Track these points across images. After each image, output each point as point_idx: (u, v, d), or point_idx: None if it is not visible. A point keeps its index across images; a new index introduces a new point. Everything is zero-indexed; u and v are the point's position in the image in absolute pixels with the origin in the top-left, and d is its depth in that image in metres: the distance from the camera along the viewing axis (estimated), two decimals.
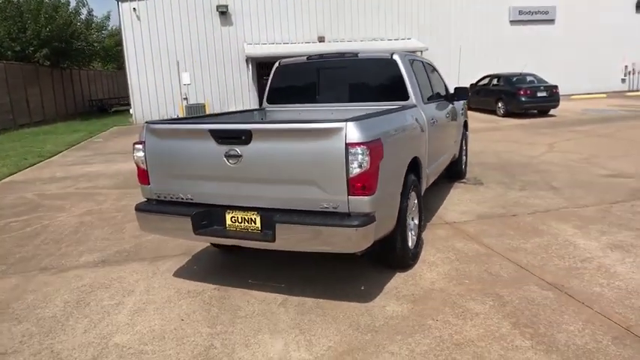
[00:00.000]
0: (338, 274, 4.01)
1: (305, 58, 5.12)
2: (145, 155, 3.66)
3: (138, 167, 3.78)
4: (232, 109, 21.35)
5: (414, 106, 4.54)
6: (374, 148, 3.00)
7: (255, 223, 3.37)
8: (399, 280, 3.84)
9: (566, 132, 12.10)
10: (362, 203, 3.04)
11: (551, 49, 22.92)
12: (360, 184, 3.00)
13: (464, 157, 7.33)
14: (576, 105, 18.90)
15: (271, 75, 5.25)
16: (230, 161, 3.29)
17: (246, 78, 21.52)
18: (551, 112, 16.40)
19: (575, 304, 3.28)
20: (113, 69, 40.24)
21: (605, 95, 22.43)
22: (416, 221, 4.18)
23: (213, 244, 4.70)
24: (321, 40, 21.59)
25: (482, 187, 6.85)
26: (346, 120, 3.00)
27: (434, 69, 6.02)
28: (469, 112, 20.36)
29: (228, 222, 3.46)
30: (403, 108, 4.24)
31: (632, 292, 3.39)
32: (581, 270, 3.83)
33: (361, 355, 2.82)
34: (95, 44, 27.41)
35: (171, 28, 20.72)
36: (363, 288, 3.74)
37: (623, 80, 23.78)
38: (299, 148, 3.11)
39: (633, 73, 23.85)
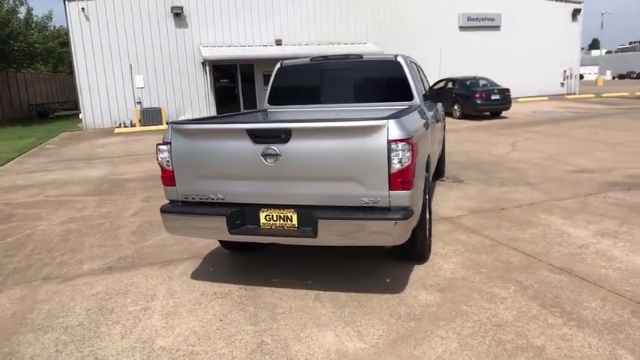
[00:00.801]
0: (357, 269, 4.13)
1: (308, 59, 5.22)
2: (170, 156, 3.61)
3: (162, 169, 3.72)
4: (189, 113, 20.93)
5: (419, 106, 4.76)
6: (414, 144, 3.17)
7: (291, 221, 3.43)
8: (419, 271, 4.02)
9: (523, 132, 12.92)
10: (402, 198, 3.19)
11: (497, 54, 24.29)
12: (401, 179, 3.15)
13: (444, 157, 7.70)
14: (524, 107, 20.17)
15: (273, 76, 5.29)
16: (268, 160, 3.33)
17: (202, 81, 21.18)
18: (503, 114, 17.41)
19: (587, 285, 3.60)
20: (49, 72, 38.04)
21: (547, 98, 24.09)
22: (427, 216, 4.39)
23: (224, 246, 4.69)
24: (279, 43, 21.67)
25: (462, 184, 7.22)
26: (387, 117, 3.15)
27: (421, 70, 6.30)
28: None
29: (263, 220, 3.49)
30: (414, 108, 4.45)
31: (633, 273, 3.77)
32: (581, 255, 4.18)
33: (413, 341, 2.96)
34: (36, 45, 25.88)
35: (122, 29, 20.03)
36: (388, 280, 3.89)
37: (562, 84, 25.66)
38: (340, 145, 3.21)
39: (570, 78, 25.78)
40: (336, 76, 5.11)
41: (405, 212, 3.19)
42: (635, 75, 63.18)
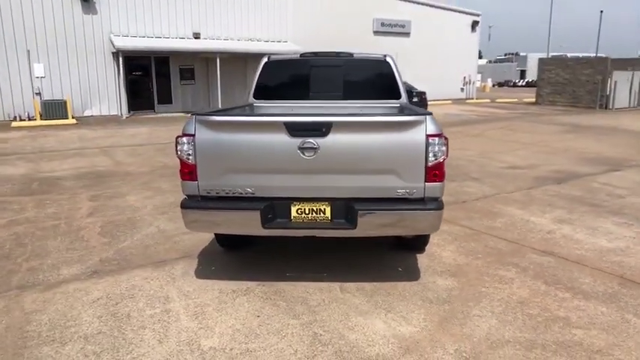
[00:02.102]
0: (364, 260, 4.27)
1: (298, 55, 5.21)
2: (194, 149, 3.43)
3: (182, 162, 3.51)
4: (96, 106, 19.34)
5: (407, 104, 5.03)
6: (447, 139, 3.39)
7: (324, 213, 3.46)
8: (424, 260, 4.28)
9: (446, 132, 13.96)
10: (435, 189, 3.40)
11: (407, 59, 25.82)
12: (435, 172, 3.36)
13: None
14: (435, 110, 21.68)
15: (259, 70, 5.19)
16: (305, 154, 3.32)
17: (113, 73, 19.64)
18: None
19: (572, 264, 4.13)
20: None
21: (450, 102, 26.23)
22: None
23: (220, 244, 4.54)
24: (197, 36, 20.86)
25: None
26: (425, 114, 3.33)
27: None
28: None
29: (294, 214, 3.48)
30: (407, 106, 4.70)
31: (602, 252, 4.40)
32: (553, 240, 4.76)
33: (456, 321, 3.18)
34: None
35: (19, 10, 17.83)
36: (400, 269, 4.09)
37: (462, 89, 28.09)
38: (379, 139, 3.32)
39: (469, 83, 28.33)
40: (325, 72, 5.17)
41: (439, 203, 3.41)
42: (512, 83, 71.04)
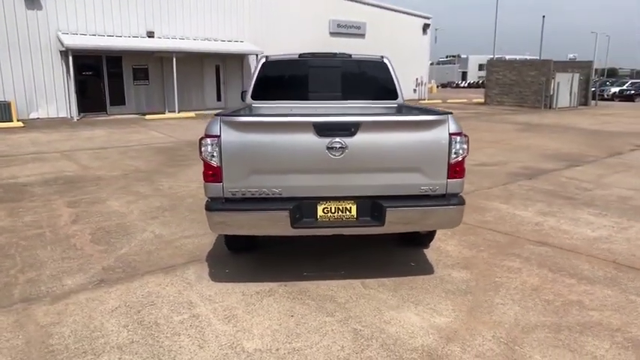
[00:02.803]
0: (375, 257, 4.38)
1: (297, 55, 5.22)
2: (219, 151, 3.39)
3: (206, 164, 3.45)
4: (43, 108, 18.26)
5: (404, 104, 5.19)
6: (468, 137, 3.55)
7: (350, 212, 3.53)
8: (432, 254, 4.44)
9: None
10: (456, 185, 3.55)
11: None
12: (457, 169, 3.51)
13: None
14: None
15: (257, 71, 5.15)
16: (333, 153, 3.37)
17: (61, 73, 18.63)
18: None
19: (567, 252, 4.44)
20: None
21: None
22: None
23: (228, 247, 4.49)
24: (151, 35, 20.19)
25: None
26: (446, 113, 3.48)
27: None
28: None
29: (320, 213, 3.52)
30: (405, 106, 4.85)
31: (590, 240, 4.75)
32: (544, 231, 5.08)
33: (483, 310, 3.35)
34: None
35: None
36: (413, 264, 4.22)
37: (415, 90, 28.94)
38: (405, 138, 3.44)
39: (421, 85, 29.25)
40: (323, 73, 5.22)
41: (460, 199, 3.57)
42: (454, 85, 74.00)
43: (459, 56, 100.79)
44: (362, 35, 26.67)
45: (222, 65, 22.53)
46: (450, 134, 3.45)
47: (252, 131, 3.41)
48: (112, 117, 19.01)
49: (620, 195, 6.62)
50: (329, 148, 3.38)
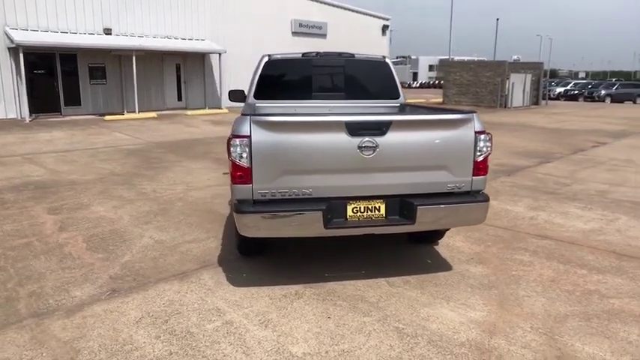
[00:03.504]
0: (390, 256, 4.41)
1: (300, 54, 5.16)
2: (249, 151, 3.29)
3: (235, 165, 3.34)
4: None
5: (405, 103, 5.26)
6: (490, 135, 3.64)
7: (379, 211, 3.53)
8: (444, 250, 4.53)
9: None
10: (480, 182, 3.64)
11: None
12: (481, 166, 3.60)
13: None
14: None
15: (260, 70, 5.04)
16: (365, 153, 3.36)
17: (9, 71, 17.47)
18: None
19: (569, 245, 4.66)
20: None
21: None
22: None
23: (242, 252, 4.37)
24: (108, 32, 19.33)
25: None
26: (472, 112, 3.55)
27: None
28: None
29: (350, 213, 3.50)
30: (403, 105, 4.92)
31: (585, 232, 5.01)
32: (540, 225, 5.30)
33: (512, 302, 3.46)
34: None
35: None
36: (429, 261, 4.29)
37: None
38: (433, 136, 3.48)
39: None
40: (327, 72, 5.19)
41: (485, 195, 3.66)
42: (407, 85, 75.70)
43: (409, 57, 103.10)
44: (324, 35, 26.77)
45: (182, 64, 21.92)
46: (476, 132, 3.53)
47: (282, 131, 3.34)
48: (67, 118, 18.02)
49: (597, 189, 7.02)
50: (360, 148, 3.37)
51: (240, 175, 3.36)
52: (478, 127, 3.55)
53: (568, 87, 37.41)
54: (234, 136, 3.33)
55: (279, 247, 4.56)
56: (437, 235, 4.58)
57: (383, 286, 3.77)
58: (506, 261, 4.26)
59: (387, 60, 5.28)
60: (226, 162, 9.53)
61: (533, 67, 26.54)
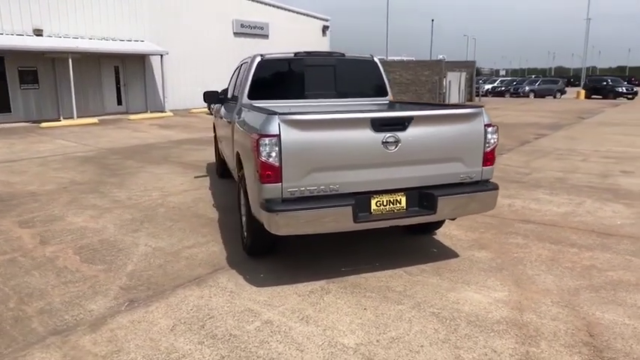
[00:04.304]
0: (395, 248, 4.59)
1: (292, 54, 5.18)
2: (279, 150, 3.30)
3: (264, 164, 3.34)
4: None
5: (393, 100, 5.45)
6: (497, 127, 3.90)
7: (400, 204, 3.68)
8: (444, 239, 4.77)
9: None
10: (489, 172, 3.90)
11: None
12: (489, 156, 3.85)
13: None
14: None
15: (252, 70, 5.01)
16: (389, 148, 3.50)
17: None
18: None
19: (553, 227, 5.08)
20: None
21: None
22: None
23: (250, 253, 4.36)
24: (39, 33, 18.03)
25: None
26: (480, 107, 3.79)
27: None
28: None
29: (373, 207, 3.61)
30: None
31: (562, 215, 5.47)
32: (519, 211, 5.71)
33: (526, 282, 3.74)
34: None
35: None
36: (435, 250, 4.51)
37: None
38: (448, 130, 3.68)
39: None
40: (319, 71, 5.25)
41: (495, 184, 3.91)
42: None
43: None
44: (266, 36, 26.66)
45: (122, 66, 20.92)
46: (485, 125, 3.78)
47: (310, 129, 3.39)
48: None
49: (555, 177, 7.64)
50: (384, 143, 3.49)
51: (270, 174, 3.36)
52: (486, 120, 3.80)
53: (495, 84, 39.96)
54: (263, 135, 3.33)
55: (286, 246, 4.59)
56: (437, 225, 4.81)
57: (402, 275, 3.92)
58: (505, 245, 4.57)
59: (376, 59, 5.45)
60: (193, 166, 9.35)
61: (467, 66, 28.13)
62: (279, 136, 3.31)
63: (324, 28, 29.95)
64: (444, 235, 4.89)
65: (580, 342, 2.88)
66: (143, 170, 8.83)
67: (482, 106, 3.85)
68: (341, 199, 3.48)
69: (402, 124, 3.53)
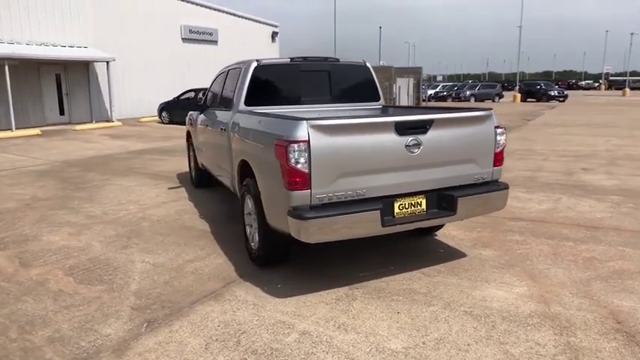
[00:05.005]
0: (403, 251, 4.64)
1: (288, 59, 5.10)
2: (308, 156, 3.24)
3: (293, 171, 3.26)
4: None
5: (385, 105, 5.53)
6: (505, 128, 4.05)
7: (420, 206, 3.72)
8: (446, 239, 4.89)
9: None
10: (498, 172, 4.04)
11: (217, 65, 25.75)
12: (498, 157, 4.00)
13: None
14: None
15: (249, 75, 4.87)
16: (412, 151, 3.54)
17: None
18: None
19: (542, 223, 5.34)
20: None
21: None
22: None
23: (260, 263, 4.25)
24: None
25: None
26: (490, 109, 3.93)
27: None
28: (176, 126, 21.21)
29: (397, 210, 3.63)
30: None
31: (545, 212, 5.76)
32: (506, 210, 5.89)
33: (539, 275, 3.90)
34: None
35: None
36: (442, 251, 4.60)
37: None
38: (464, 132, 3.78)
39: None
40: (314, 77, 5.22)
41: (505, 184, 4.06)
42: None
43: None
44: (215, 42, 26.19)
45: (64, 74, 19.76)
46: (495, 127, 3.92)
47: (338, 134, 3.36)
48: None
49: (524, 176, 8.06)
50: (407, 146, 3.53)
51: (298, 180, 3.29)
52: (496, 123, 3.95)
53: (437, 89, 41.59)
54: (292, 141, 3.26)
55: (293, 255, 4.50)
56: (439, 226, 4.91)
57: (421, 277, 3.96)
58: (505, 242, 4.75)
59: (368, 64, 5.51)
60: (162, 177, 8.98)
61: (414, 72, 29.03)
62: (308, 141, 3.25)
63: (274, 34, 29.90)
64: (444, 235, 5.00)
65: (611, 329, 3.05)
66: (110, 183, 8.36)
67: (491, 109, 3.99)
68: (368, 204, 3.47)
69: (423, 127, 3.58)
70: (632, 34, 57.19)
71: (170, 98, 20.58)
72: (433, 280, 3.90)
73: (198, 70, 24.12)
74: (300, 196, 3.33)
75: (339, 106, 5.31)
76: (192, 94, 19.06)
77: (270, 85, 5.07)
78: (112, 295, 3.84)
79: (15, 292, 3.95)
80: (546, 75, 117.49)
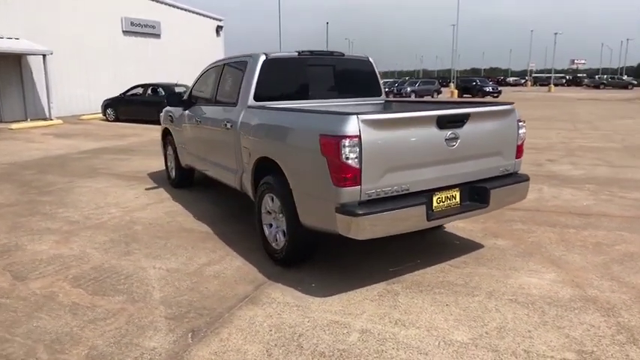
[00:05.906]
0: (420, 244, 4.69)
1: (296, 53, 4.95)
2: (359, 151, 3.19)
3: (344, 166, 3.18)
4: None
5: (387, 100, 5.57)
6: (525, 122, 4.20)
7: (455, 199, 3.79)
8: (455, 231, 5.01)
9: None
10: (519, 164, 4.20)
11: (159, 61, 24.65)
12: (520, 149, 4.16)
13: None
14: None
15: (257, 69, 4.68)
16: (451, 144, 3.59)
17: None
18: None
19: (538, 212, 5.62)
20: None
21: None
22: None
23: (285, 261, 4.13)
24: None
25: None
26: (511, 103, 4.07)
27: None
28: (124, 124, 20.40)
29: (435, 204, 3.67)
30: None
31: (537, 202, 6.07)
32: None
33: (561, 261, 4.11)
34: None
35: None
36: (457, 242, 4.72)
37: None
38: (493, 125, 3.89)
39: None
40: (321, 71, 5.12)
41: (526, 175, 4.23)
42: None
43: None
44: (157, 35, 25.08)
45: None
46: (517, 120, 4.07)
47: (387, 128, 3.33)
48: None
49: None
50: (447, 140, 3.57)
51: (349, 176, 3.23)
52: (518, 116, 4.09)
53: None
54: (343, 136, 3.18)
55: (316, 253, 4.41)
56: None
57: (451, 269, 4.04)
58: (514, 232, 4.95)
59: (371, 60, 5.50)
60: (133, 178, 8.57)
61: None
62: (359, 136, 3.19)
63: (218, 28, 29.13)
64: (453, 227, 5.13)
65: None
66: (77, 185, 7.76)
67: (513, 103, 4.13)
68: (414, 198, 3.48)
69: (461, 120, 3.64)
70: (555, 33, 61.57)
71: (114, 94, 19.43)
72: (464, 272, 3.98)
73: (142, 65, 23.00)
74: (350, 193, 3.26)
75: (346, 101, 5.27)
76: (140, 90, 18.10)
77: (278, 79, 4.91)
78: (138, 306, 3.57)
79: (22, 308, 3.56)
80: (475, 72, 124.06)
